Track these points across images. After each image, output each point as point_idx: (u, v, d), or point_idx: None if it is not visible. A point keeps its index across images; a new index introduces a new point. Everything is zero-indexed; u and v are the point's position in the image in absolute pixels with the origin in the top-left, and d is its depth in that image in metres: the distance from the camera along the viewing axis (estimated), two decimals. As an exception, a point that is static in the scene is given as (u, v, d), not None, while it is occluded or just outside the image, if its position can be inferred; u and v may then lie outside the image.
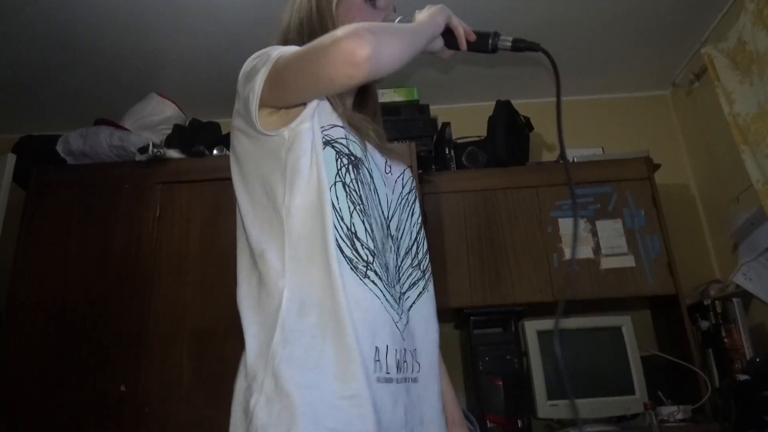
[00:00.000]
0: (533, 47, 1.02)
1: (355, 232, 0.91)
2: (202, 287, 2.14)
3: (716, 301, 2.22)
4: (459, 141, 2.57)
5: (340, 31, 0.83)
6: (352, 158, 0.96)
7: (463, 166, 2.48)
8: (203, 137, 2.42)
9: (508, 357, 2.16)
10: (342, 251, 0.88)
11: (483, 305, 2.22)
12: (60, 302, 2.13)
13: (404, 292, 0.98)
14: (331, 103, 0.99)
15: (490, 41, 1.04)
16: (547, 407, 2.09)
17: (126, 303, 2.12)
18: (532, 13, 2.32)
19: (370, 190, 0.98)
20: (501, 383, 2.11)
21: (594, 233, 2.29)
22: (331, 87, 0.90)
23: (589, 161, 2.42)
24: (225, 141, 2.47)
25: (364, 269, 0.90)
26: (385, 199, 1.03)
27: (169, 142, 2.42)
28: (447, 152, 2.49)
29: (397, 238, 1.03)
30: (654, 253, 2.25)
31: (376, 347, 0.87)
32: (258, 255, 0.91)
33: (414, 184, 1.16)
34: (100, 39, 2.36)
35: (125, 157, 2.35)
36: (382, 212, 1.01)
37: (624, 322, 2.21)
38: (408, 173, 1.14)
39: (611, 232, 2.29)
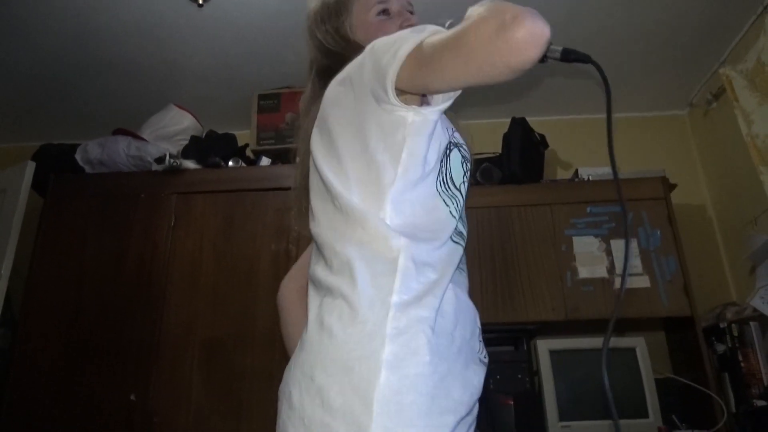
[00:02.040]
0: (584, 59, 0.96)
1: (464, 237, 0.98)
2: (214, 298, 2.14)
3: (733, 324, 2.18)
4: (474, 157, 2.56)
5: (500, 14, 0.74)
6: (468, 164, 1.00)
7: (477, 182, 2.47)
8: (219, 148, 2.44)
9: (520, 376, 2.13)
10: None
11: (495, 322, 2.20)
12: (73, 309, 2.15)
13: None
14: None
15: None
16: (558, 428, 2.06)
17: (138, 312, 2.13)
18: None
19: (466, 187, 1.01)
20: (512, 402, 2.08)
21: (608, 252, 2.27)
22: (505, 73, 0.78)
23: (604, 180, 2.40)
24: (241, 152, 2.49)
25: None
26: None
27: (186, 152, 2.44)
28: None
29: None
30: (669, 274, 2.22)
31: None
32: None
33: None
34: (120, 50, 2.40)
35: (142, 167, 2.37)
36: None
37: (638, 343, 2.18)
38: (468, 138, 1.09)
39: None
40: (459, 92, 0.88)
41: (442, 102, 0.88)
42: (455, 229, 0.95)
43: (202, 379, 2.04)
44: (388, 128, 0.87)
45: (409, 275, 0.82)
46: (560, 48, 0.94)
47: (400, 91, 0.85)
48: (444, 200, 0.92)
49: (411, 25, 1.03)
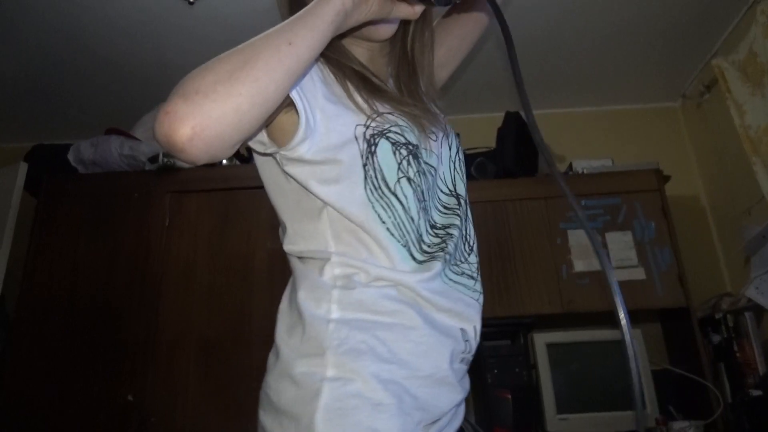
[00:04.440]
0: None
1: (421, 234, 0.84)
2: (210, 296, 2.14)
3: (728, 315, 2.19)
4: (468, 152, 2.57)
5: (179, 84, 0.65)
6: (410, 147, 0.83)
7: (472, 177, 2.47)
8: (213, 147, 2.43)
9: (517, 369, 2.14)
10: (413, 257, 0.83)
11: (491, 317, 2.20)
12: (68, 310, 2.14)
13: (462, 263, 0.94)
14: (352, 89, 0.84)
15: None
16: (556, 421, 2.07)
17: (134, 312, 2.12)
18: (540, 23, 2.32)
19: (429, 177, 0.88)
20: (510, 396, 2.09)
21: (603, 245, 2.27)
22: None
23: (599, 173, 2.41)
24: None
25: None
26: (449, 176, 0.94)
27: (179, 151, 2.42)
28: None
29: (461, 215, 0.95)
30: (664, 266, 2.23)
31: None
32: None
33: (458, 139, 1.02)
34: (110, 48, 2.39)
35: (135, 167, 2.36)
36: (449, 188, 0.93)
37: (634, 335, 2.19)
38: (449, 129, 0.99)
39: (621, 244, 2.27)
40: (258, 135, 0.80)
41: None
42: (411, 245, 0.83)
43: (198, 379, 2.04)
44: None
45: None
46: None
47: None
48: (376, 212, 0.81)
49: None
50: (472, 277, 0.94)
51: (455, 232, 0.91)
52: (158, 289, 2.15)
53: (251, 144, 0.82)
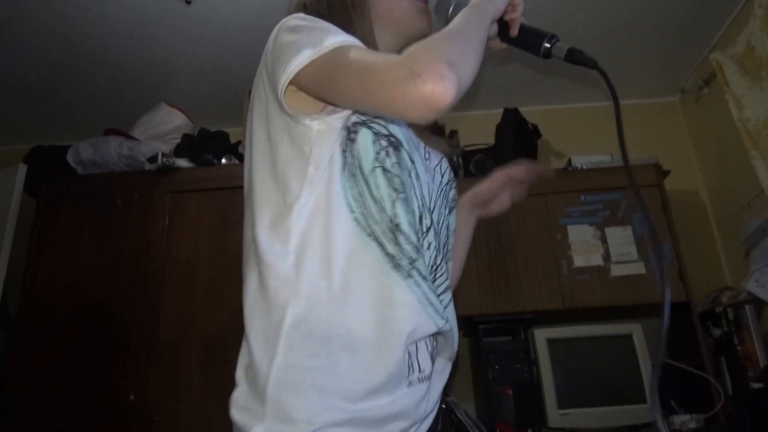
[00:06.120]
0: (589, 63, 0.91)
1: (398, 224, 0.81)
2: (211, 295, 2.14)
3: (728, 309, 2.19)
4: (467, 149, 2.57)
5: (416, 63, 0.71)
6: (392, 140, 0.84)
7: (471, 174, 2.47)
8: (212, 146, 2.43)
9: (518, 365, 2.14)
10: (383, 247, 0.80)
11: (492, 313, 2.21)
12: (70, 311, 2.14)
13: (439, 295, 0.89)
14: None
15: (545, 44, 0.90)
16: (557, 416, 2.07)
17: (136, 312, 2.13)
18: (538, 18, 2.31)
19: (410, 176, 0.86)
20: (511, 392, 2.09)
21: (603, 240, 2.27)
22: (397, 118, 0.80)
23: (598, 168, 2.41)
24: (233, 150, 2.48)
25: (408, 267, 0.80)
26: (426, 188, 0.91)
27: (178, 151, 2.43)
28: (455, 160, 2.49)
29: (438, 233, 0.93)
30: (664, 260, 2.23)
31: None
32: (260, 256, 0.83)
33: (452, 175, 1.03)
34: (109, 50, 2.39)
35: (135, 167, 2.36)
36: (425, 202, 0.90)
37: (635, 330, 2.19)
38: (445, 163, 1.02)
39: (621, 239, 2.27)
40: None
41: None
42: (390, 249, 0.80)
43: (201, 378, 2.04)
44: (295, 138, 0.82)
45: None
46: (566, 47, 0.90)
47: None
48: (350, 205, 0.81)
49: None
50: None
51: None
52: (159, 288, 2.15)
53: (298, 113, 0.82)
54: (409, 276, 0.79)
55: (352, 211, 0.80)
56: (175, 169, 2.31)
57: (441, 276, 0.91)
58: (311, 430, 0.73)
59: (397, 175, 0.82)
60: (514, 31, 0.91)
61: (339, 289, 0.77)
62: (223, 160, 2.38)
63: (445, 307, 0.87)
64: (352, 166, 0.80)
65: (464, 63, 0.74)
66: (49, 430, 2.00)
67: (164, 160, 2.29)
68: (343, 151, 0.81)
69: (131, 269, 2.19)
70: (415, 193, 0.86)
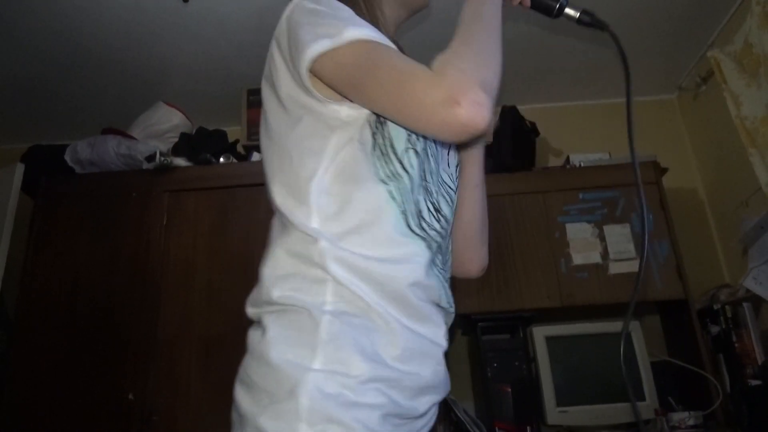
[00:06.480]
0: (601, 25, 0.92)
1: (421, 210, 0.84)
2: (210, 294, 2.14)
3: (726, 306, 2.20)
4: (465, 147, 2.57)
5: (452, 88, 0.71)
6: None
7: (469, 172, 2.47)
8: (210, 145, 2.43)
9: (517, 363, 2.15)
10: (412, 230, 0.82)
11: (490, 311, 2.21)
12: (68, 310, 2.14)
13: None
14: None
15: (558, 3, 0.94)
16: (556, 414, 2.08)
17: (134, 311, 2.13)
18: (537, 16, 2.31)
19: (436, 162, 0.89)
20: (510, 390, 2.10)
21: (602, 238, 2.28)
22: (428, 136, 0.83)
23: (596, 166, 2.41)
24: (231, 149, 2.48)
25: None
26: (447, 176, 0.94)
27: (176, 150, 2.43)
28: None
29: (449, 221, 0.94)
30: (662, 258, 2.23)
31: None
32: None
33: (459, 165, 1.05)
34: (106, 48, 2.38)
35: (133, 166, 2.36)
36: (449, 188, 0.93)
37: (633, 327, 2.20)
38: (454, 150, 1.03)
39: (619, 237, 2.28)
40: None
41: None
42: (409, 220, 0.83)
43: (200, 377, 2.04)
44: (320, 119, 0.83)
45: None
46: (579, 9, 0.92)
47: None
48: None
49: None
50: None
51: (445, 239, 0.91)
52: (158, 287, 2.15)
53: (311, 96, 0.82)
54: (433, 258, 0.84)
55: (386, 183, 0.81)
56: (173, 168, 2.31)
57: (447, 262, 0.93)
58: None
59: (424, 161, 0.85)
60: (527, 2, 0.95)
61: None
62: (221, 159, 2.38)
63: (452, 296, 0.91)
64: (383, 146, 0.82)
65: (494, 77, 0.77)
66: (48, 429, 2.00)
67: (162, 159, 2.28)
68: (374, 133, 0.82)
69: (129, 268, 2.19)
70: (439, 179, 0.89)
